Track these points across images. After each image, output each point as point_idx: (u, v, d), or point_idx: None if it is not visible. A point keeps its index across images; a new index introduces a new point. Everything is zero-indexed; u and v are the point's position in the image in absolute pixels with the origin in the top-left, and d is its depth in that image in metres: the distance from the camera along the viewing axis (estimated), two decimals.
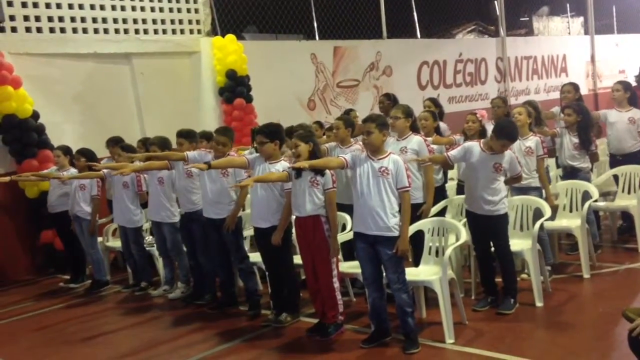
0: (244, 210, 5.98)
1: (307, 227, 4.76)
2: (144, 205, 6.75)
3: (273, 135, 5.05)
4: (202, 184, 5.66)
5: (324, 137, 6.66)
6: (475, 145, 5.04)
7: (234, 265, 5.77)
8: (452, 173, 7.00)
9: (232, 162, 5.30)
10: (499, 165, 4.93)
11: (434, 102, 7.37)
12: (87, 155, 6.87)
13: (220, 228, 5.55)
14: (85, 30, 8.50)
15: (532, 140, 5.72)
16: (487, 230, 5.03)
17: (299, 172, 4.68)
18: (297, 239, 4.96)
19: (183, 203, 6.02)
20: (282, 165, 4.98)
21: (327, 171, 4.73)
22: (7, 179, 6.75)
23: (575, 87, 7.24)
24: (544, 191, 5.73)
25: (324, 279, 4.76)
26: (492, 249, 5.10)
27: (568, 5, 17.56)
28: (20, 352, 5.35)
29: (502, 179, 5.00)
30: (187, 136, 5.91)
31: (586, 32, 17.22)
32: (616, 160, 7.02)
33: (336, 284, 4.78)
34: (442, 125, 6.97)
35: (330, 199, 4.75)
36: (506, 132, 4.90)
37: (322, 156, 4.89)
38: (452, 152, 5.11)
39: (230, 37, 9.41)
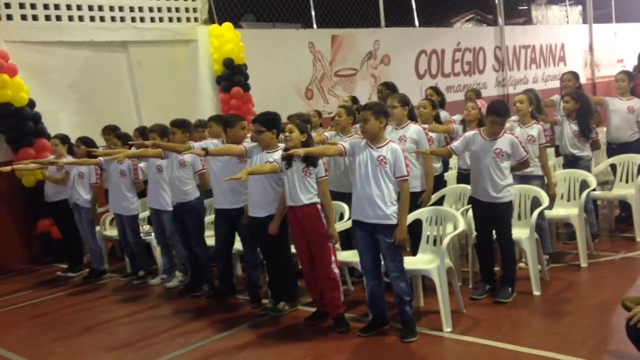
0: None
1: (303, 216, 4.74)
2: (140, 194, 6.75)
3: (270, 124, 5.02)
4: (216, 174, 5.50)
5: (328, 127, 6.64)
6: (476, 134, 5.07)
7: (245, 255, 5.67)
8: (452, 162, 7.00)
9: (230, 150, 5.27)
10: (500, 151, 4.93)
11: (436, 90, 7.33)
12: (87, 143, 6.84)
13: (232, 218, 5.50)
14: (81, 18, 8.44)
15: (534, 129, 5.71)
16: (491, 217, 5.03)
17: (289, 162, 4.66)
18: (291, 228, 4.93)
19: (175, 193, 5.96)
20: (279, 155, 4.95)
21: (320, 161, 4.72)
22: (9, 168, 6.72)
23: (575, 75, 7.22)
24: (545, 179, 5.72)
25: (322, 267, 4.75)
26: (494, 237, 5.10)
27: None
28: (18, 341, 5.34)
29: (507, 164, 4.99)
30: (181, 126, 5.87)
31: (584, 21, 17.17)
32: (612, 149, 7.02)
33: (335, 270, 4.77)
34: (444, 113, 6.95)
35: (323, 187, 4.74)
36: (492, 108, 4.97)
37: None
38: (455, 144, 5.14)
39: (228, 25, 9.36)
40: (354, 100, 7.53)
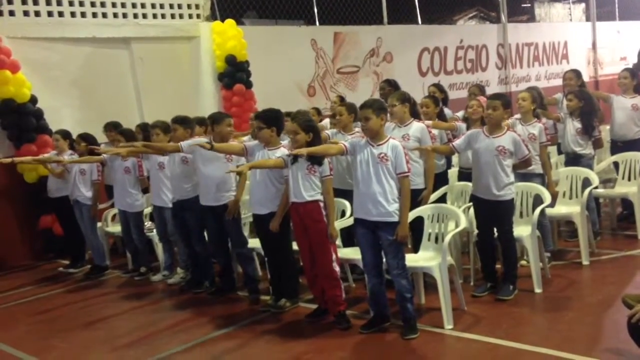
0: None
1: (305, 212, 4.73)
2: (145, 190, 6.75)
3: (271, 121, 5.00)
4: (201, 171, 5.56)
5: (327, 120, 6.63)
6: (478, 132, 5.07)
7: (234, 251, 5.76)
8: (454, 159, 6.99)
9: (231, 148, 5.27)
10: (502, 148, 4.92)
11: (439, 87, 7.32)
12: (88, 140, 6.85)
13: (219, 215, 5.53)
14: (83, 15, 8.45)
15: (536, 127, 5.70)
16: (492, 215, 5.03)
17: (295, 158, 4.66)
18: (293, 225, 4.93)
19: (176, 190, 5.95)
20: (281, 152, 4.94)
21: (325, 160, 4.71)
22: (9, 160, 6.75)
23: (577, 74, 7.21)
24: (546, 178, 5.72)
25: (323, 264, 4.75)
26: (495, 234, 5.10)
27: None
28: (20, 337, 5.36)
29: (509, 162, 4.98)
30: (183, 122, 5.86)
31: (588, 19, 17.15)
32: (617, 146, 7.01)
33: (336, 268, 4.77)
34: (447, 111, 6.96)
35: (327, 186, 4.74)
36: (490, 95, 5.08)
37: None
38: (457, 142, 5.14)
39: (230, 22, 9.35)
40: (341, 99, 7.56)
